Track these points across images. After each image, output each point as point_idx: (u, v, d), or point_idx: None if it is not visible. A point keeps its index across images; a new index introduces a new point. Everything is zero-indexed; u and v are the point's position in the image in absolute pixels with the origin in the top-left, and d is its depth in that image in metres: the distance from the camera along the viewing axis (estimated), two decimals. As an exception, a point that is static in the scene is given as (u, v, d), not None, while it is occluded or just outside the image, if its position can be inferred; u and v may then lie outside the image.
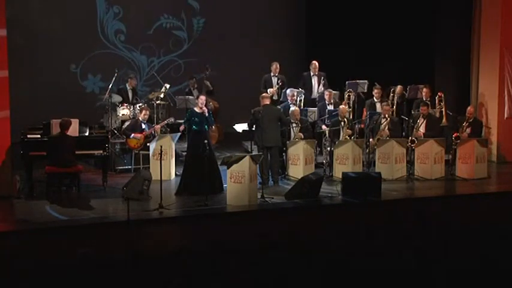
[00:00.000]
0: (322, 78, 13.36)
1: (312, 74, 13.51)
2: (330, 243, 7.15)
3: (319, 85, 13.41)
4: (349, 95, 12.94)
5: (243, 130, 12.20)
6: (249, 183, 10.00)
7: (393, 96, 13.14)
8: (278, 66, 13.38)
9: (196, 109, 10.74)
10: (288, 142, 11.64)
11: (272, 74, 13.37)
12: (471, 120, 12.26)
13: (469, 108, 12.51)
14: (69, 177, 10.49)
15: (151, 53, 15.46)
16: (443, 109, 12.56)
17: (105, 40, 15.10)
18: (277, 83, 13.23)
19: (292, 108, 12.17)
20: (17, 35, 13.47)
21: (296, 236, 7.75)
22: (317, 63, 13.47)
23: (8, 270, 6.71)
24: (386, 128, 11.87)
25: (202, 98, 10.87)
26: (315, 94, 13.43)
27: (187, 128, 10.96)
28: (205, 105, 10.77)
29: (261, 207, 10.05)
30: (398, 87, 13.22)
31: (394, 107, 13.00)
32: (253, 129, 11.19)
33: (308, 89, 13.42)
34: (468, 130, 12.19)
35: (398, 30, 14.64)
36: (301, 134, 11.74)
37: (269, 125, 11.11)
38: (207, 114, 10.66)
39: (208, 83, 13.59)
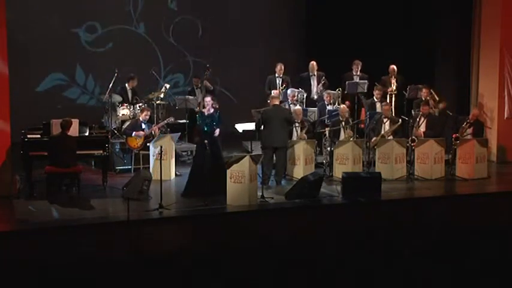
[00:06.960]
0: (322, 78, 13.36)
1: (310, 74, 13.50)
2: (329, 243, 7.16)
3: (318, 85, 13.40)
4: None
5: (244, 130, 12.18)
6: (249, 183, 9.98)
7: (391, 95, 13.13)
8: (283, 67, 13.31)
9: (204, 111, 10.80)
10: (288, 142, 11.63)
11: (276, 75, 13.32)
12: (472, 121, 12.24)
13: (473, 110, 12.50)
14: (69, 177, 10.48)
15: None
16: (435, 96, 12.58)
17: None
18: (281, 84, 13.21)
19: (294, 107, 12.16)
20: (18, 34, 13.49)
21: (296, 236, 7.76)
22: (315, 63, 13.45)
23: (8, 270, 6.71)
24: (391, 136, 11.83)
25: (207, 100, 10.87)
26: (313, 94, 13.43)
27: (197, 128, 10.95)
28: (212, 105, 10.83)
29: (261, 207, 10.04)
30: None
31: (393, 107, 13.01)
32: (261, 129, 11.18)
33: (307, 90, 13.41)
34: (469, 131, 12.17)
35: (399, 30, 14.64)
36: (305, 135, 11.73)
37: (277, 126, 11.09)
38: (216, 114, 10.70)
39: (207, 83, 13.58)
